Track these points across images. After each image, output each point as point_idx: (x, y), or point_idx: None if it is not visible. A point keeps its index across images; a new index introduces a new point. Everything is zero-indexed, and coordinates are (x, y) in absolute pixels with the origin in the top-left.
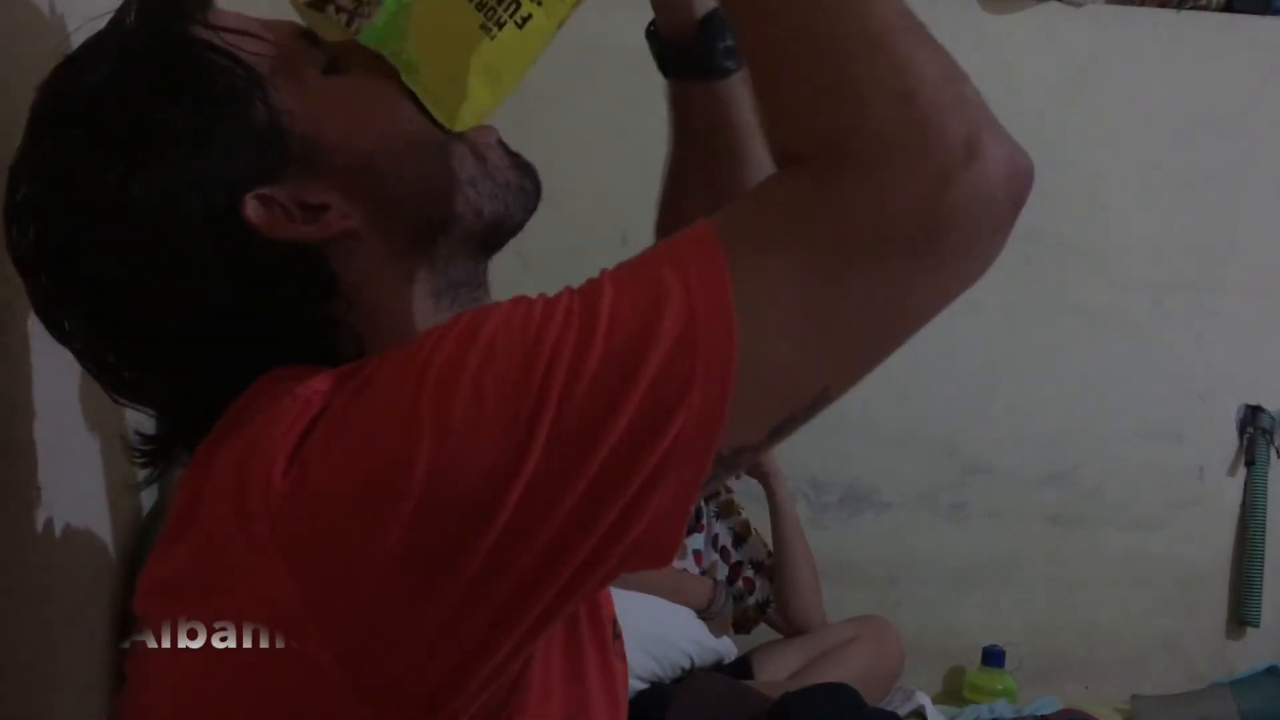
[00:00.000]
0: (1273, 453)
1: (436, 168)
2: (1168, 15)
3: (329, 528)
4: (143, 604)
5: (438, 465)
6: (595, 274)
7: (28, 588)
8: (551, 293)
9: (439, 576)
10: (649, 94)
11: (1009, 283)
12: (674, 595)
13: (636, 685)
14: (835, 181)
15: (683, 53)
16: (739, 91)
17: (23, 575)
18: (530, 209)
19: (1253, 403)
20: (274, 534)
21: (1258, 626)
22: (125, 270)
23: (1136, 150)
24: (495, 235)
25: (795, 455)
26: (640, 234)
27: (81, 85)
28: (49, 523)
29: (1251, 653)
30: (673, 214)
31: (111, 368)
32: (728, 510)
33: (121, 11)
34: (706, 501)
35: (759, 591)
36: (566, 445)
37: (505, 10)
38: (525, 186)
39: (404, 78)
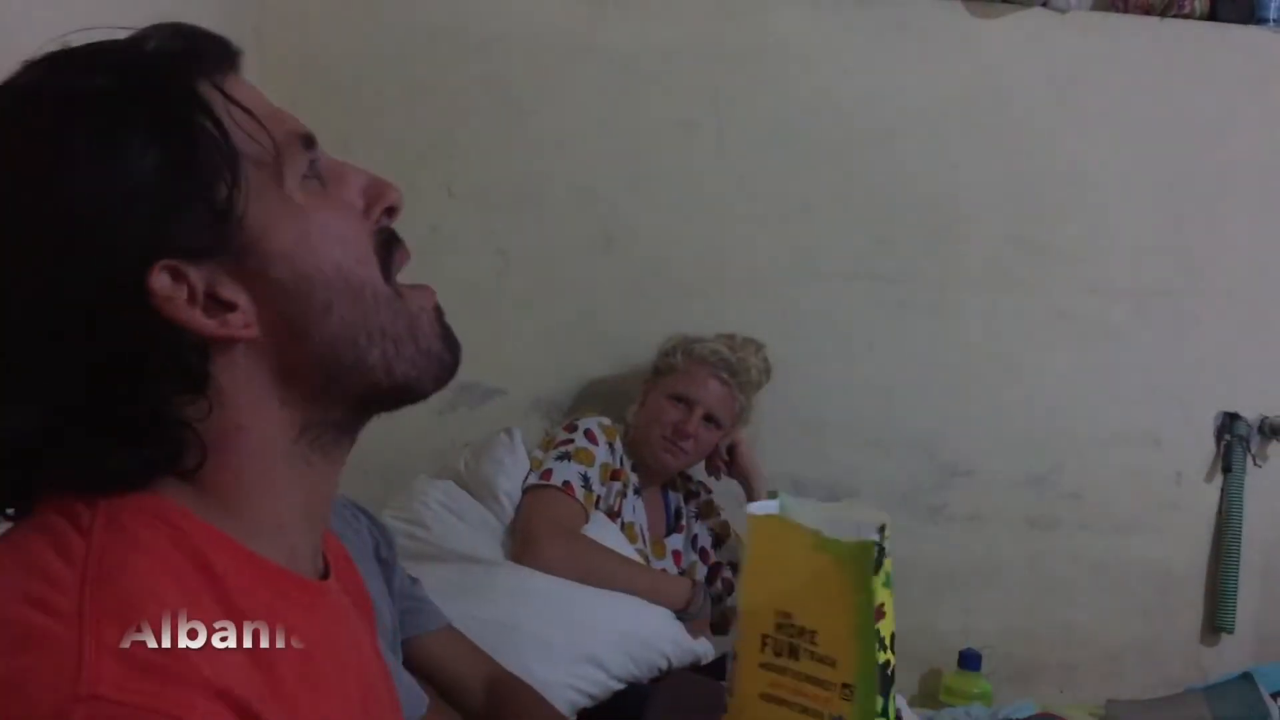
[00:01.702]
0: (1249, 460)
1: (367, 316)
2: (1152, 23)
3: None
4: None
5: None
6: (576, 275)
7: None
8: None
9: None
10: (635, 94)
11: (991, 287)
12: (652, 595)
13: (613, 685)
14: None
15: None
16: None
17: None
18: (442, 382)
19: (1230, 410)
20: None
21: (1232, 633)
22: (14, 252)
23: (1119, 156)
24: (396, 397)
25: (776, 456)
26: (625, 236)
27: (67, 79)
28: None
29: (1226, 659)
30: None
31: None
32: (707, 511)
33: (144, 34)
34: (686, 502)
35: (738, 592)
36: None
37: None
38: (444, 359)
39: None
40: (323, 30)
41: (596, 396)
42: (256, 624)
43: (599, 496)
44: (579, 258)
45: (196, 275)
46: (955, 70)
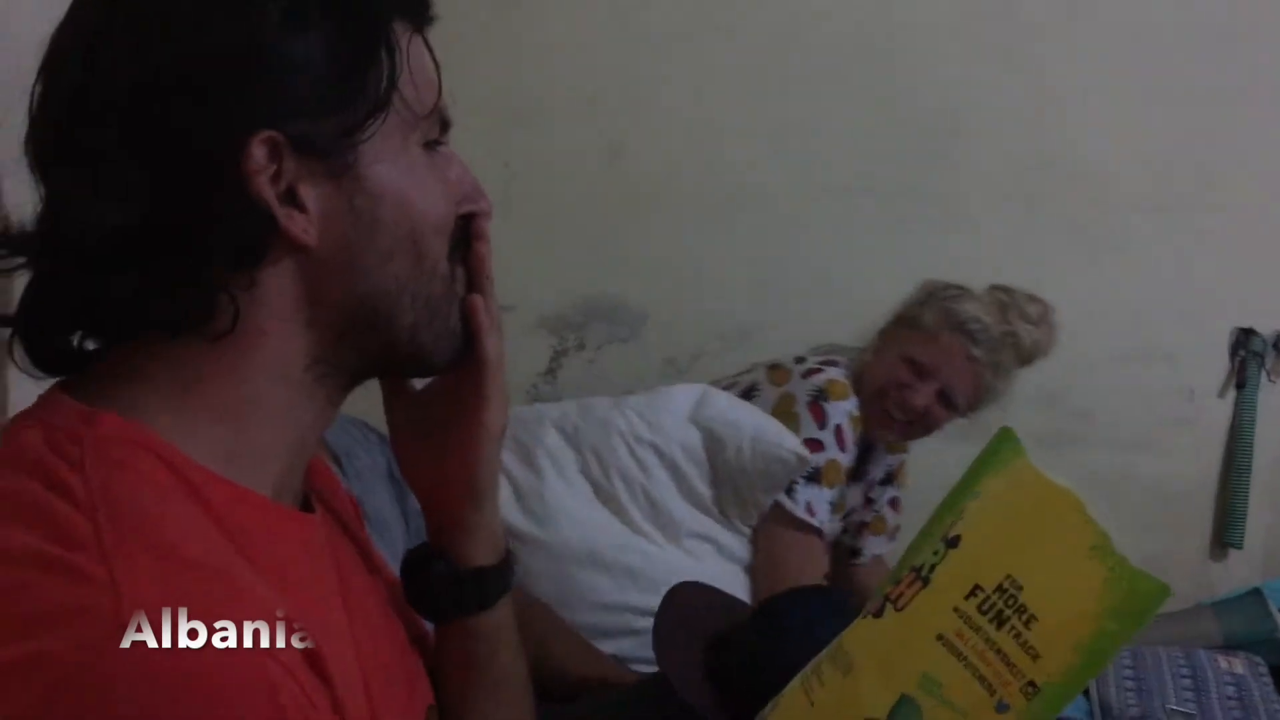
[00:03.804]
0: (1264, 376)
1: (419, 281)
2: None
3: None
4: None
5: None
6: (581, 189)
7: None
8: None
9: None
10: (639, 3)
11: (1003, 202)
12: None
13: None
14: None
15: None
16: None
17: None
18: (454, 363)
19: (1245, 325)
20: None
21: (1240, 549)
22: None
23: (1133, 66)
24: (408, 362)
25: None
26: (632, 146)
27: None
28: None
29: (1233, 575)
30: None
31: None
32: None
33: None
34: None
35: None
36: None
37: None
38: (455, 344)
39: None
40: None
41: (601, 312)
42: (254, 555)
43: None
44: (584, 170)
45: (291, 163)
46: None
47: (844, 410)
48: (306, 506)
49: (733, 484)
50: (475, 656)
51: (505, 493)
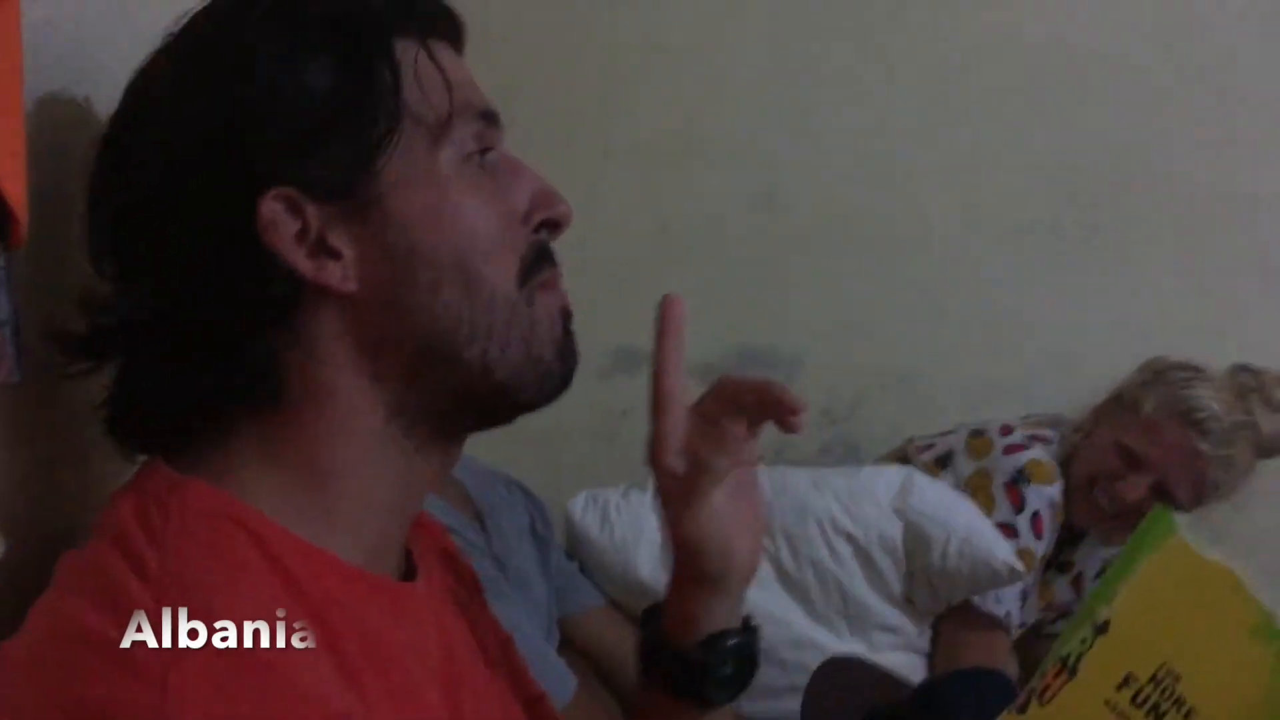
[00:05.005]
0: None
1: (476, 312)
2: None
3: None
4: None
5: None
6: (735, 235)
7: None
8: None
9: None
10: (797, 43)
11: (1190, 241)
12: None
13: None
14: None
15: (680, 662)
16: None
17: None
18: (549, 394)
19: None
20: None
21: None
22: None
23: None
24: (497, 401)
25: (939, 423)
26: (787, 193)
27: None
28: None
29: None
30: None
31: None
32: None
33: None
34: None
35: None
36: None
37: None
38: (553, 370)
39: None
40: None
41: (755, 361)
42: (338, 629)
43: None
44: (740, 216)
45: (313, 212)
46: (1149, 5)
47: (1046, 496)
48: (411, 571)
49: (929, 582)
50: None
51: None
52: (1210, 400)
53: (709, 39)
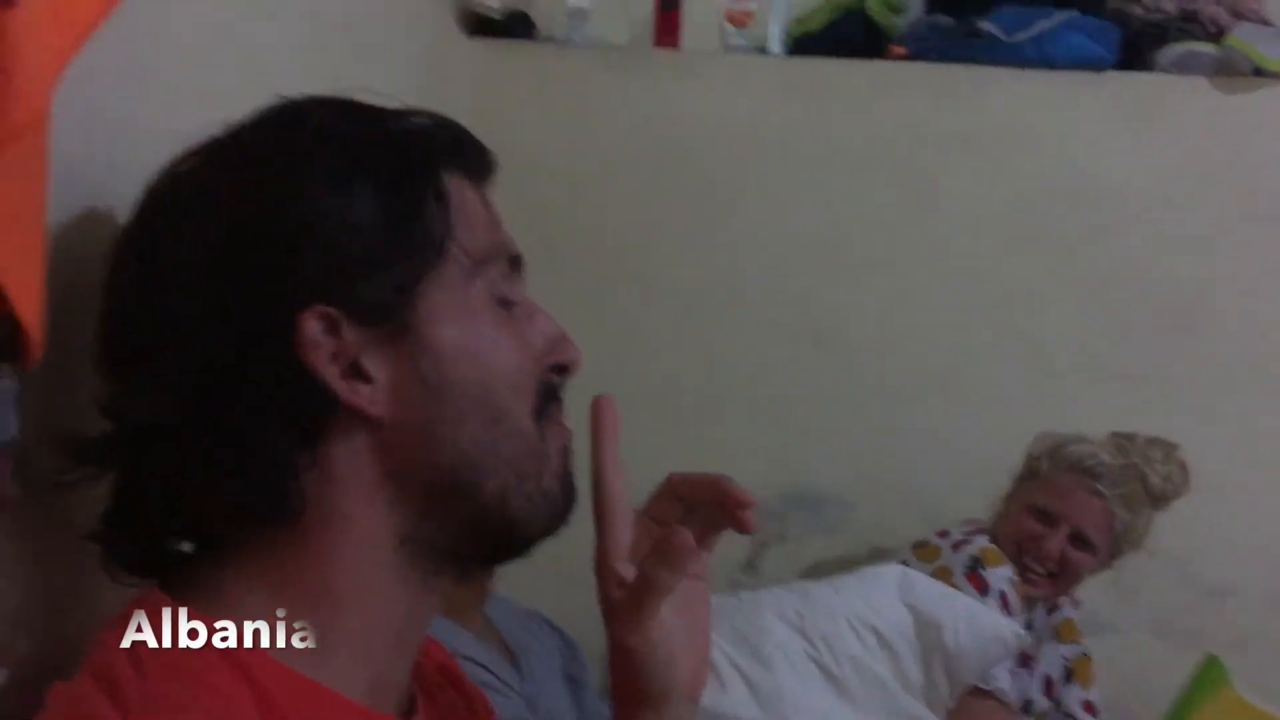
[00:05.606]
0: None
1: (498, 443)
2: None
3: None
4: None
5: None
6: (783, 378)
7: None
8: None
9: None
10: (843, 184)
11: (1249, 383)
12: None
13: None
14: None
15: None
16: None
17: None
18: (551, 528)
19: None
20: None
21: None
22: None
23: None
24: (503, 534)
25: None
26: (832, 334)
27: (333, 118)
28: None
29: None
30: None
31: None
32: (1065, 632)
33: (416, 111)
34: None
35: None
36: None
37: None
38: (558, 503)
39: None
40: (524, 129)
41: (804, 501)
42: None
43: None
44: (785, 358)
45: (350, 335)
46: (1200, 149)
47: (1003, 576)
48: (413, 703)
49: (945, 665)
50: None
51: (740, 690)
52: (1096, 450)
53: (752, 181)
